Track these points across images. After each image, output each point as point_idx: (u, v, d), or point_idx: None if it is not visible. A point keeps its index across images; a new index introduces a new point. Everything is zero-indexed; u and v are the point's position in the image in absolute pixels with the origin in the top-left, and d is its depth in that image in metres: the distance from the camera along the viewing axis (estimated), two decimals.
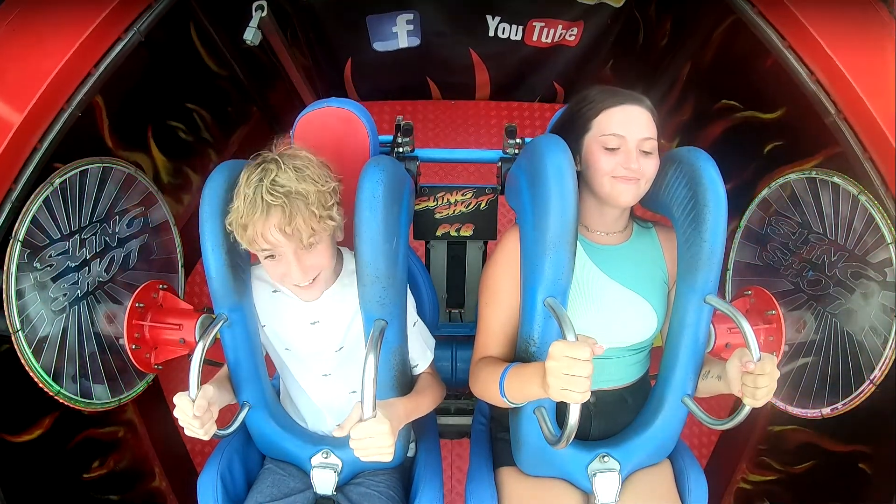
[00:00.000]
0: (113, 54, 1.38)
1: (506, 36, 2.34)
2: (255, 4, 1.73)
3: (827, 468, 1.49)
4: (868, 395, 1.17)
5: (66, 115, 1.28)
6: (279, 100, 2.46)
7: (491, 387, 1.02)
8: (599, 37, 2.33)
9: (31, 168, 1.21)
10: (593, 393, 1.12)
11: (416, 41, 2.38)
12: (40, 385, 1.12)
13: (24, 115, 1.19)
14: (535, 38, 2.35)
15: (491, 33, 2.34)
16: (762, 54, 1.63)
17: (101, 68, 1.35)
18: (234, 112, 2.31)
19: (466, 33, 2.35)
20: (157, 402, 1.84)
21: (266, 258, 1.00)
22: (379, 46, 2.39)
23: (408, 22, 2.30)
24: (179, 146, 2.00)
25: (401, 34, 2.35)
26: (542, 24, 2.28)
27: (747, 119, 1.85)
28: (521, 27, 2.31)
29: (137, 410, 1.69)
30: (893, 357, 1.13)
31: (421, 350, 1.18)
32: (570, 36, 2.34)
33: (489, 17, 2.29)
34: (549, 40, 2.35)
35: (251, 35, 1.74)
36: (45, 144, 1.24)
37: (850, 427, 1.37)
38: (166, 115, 1.96)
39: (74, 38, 1.28)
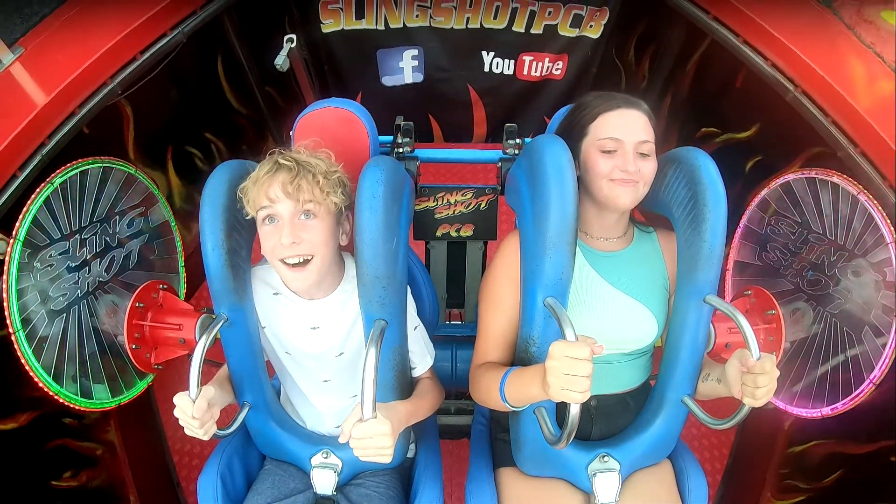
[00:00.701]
0: (158, 46, 1.56)
1: (499, 70, 2.52)
2: (286, 37, 1.90)
3: (857, 472, 1.47)
4: (868, 394, 1.17)
5: (107, 89, 1.42)
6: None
7: (492, 392, 1.02)
8: (582, 69, 2.50)
9: (67, 128, 1.32)
10: (595, 396, 1.12)
11: (420, 77, 2.55)
12: (40, 385, 1.12)
13: (72, 79, 1.32)
14: (525, 72, 2.52)
15: (486, 68, 2.52)
16: (731, 78, 1.80)
17: (147, 55, 1.53)
18: (249, 149, 2.40)
19: (465, 68, 2.52)
20: (141, 423, 1.82)
21: (264, 221, 1.02)
22: (387, 81, 2.55)
23: (413, 57, 2.47)
24: (195, 173, 2.07)
25: (406, 69, 2.51)
26: (531, 57, 2.45)
27: (727, 142, 1.94)
28: (512, 61, 2.48)
29: (119, 433, 1.68)
30: (893, 357, 1.13)
31: (421, 354, 1.18)
32: (557, 69, 2.51)
33: (484, 53, 2.47)
34: (537, 74, 2.52)
35: (281, 61, 1.93)
36: (84, 111, 1.36)
37: (869, 425, 1.36)
38: (186, 139, 2.04)
39: (125, 26, 1.46)
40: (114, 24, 1.45)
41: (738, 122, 1.87)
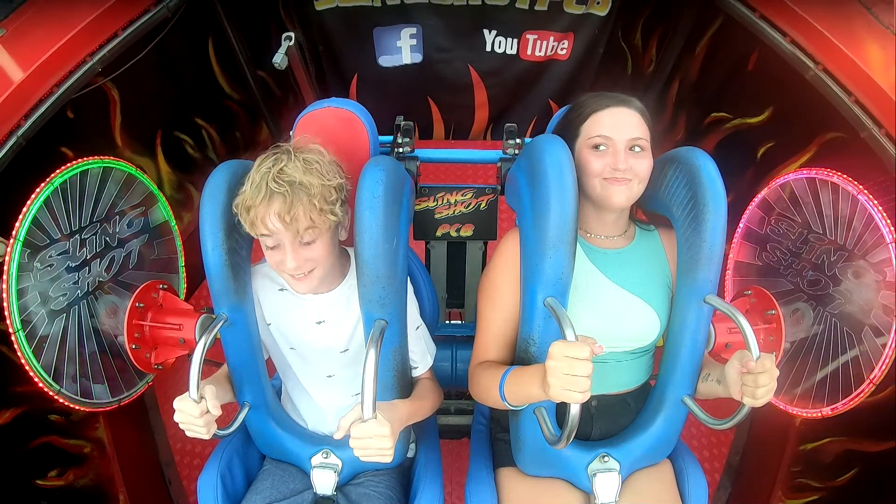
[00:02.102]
0: (140, 21, 1.48)
1: (502, 50, 2.43)
2: (283, 35, 1.83)
3: (874, 471, 1.43)
4: (868, 394, 1.17)
5: (86, 66, 1.35)
6: (290, 127, 2.48)
7: (491, 390, 1.02)
8: (589, 49, 2.41)
9: (44, 108, 1.27)
10: (595, 396, 1.12)
11: (418, 57, 2.45)
12: (40, 384, 1.12)
13: (47, 57, 1.27)
14: (529, 52, 2.43)
15: (488, 48, 2.42)
16: (743, 61, 1.70)
17: (129, 31, 1.46)
18: (242, 137, 2.33)
19: (465, 48, 2.42)
20: (131, 420, 1.78)
21: (265, 244, 1.01)
22: (384, 61, 2.45)
23: (411, 36, 2.37)
24: (185, 160, 2.01)
25: (404, 49, 2.42)
26: (535, 36, 2.36)
27: (737, 127, 1.89)
28: (515, 40, 2.39)
29: (109, 430, 1.63)
30: (893, 357, 1.13)
31: (422, 354, 1.18)
32: (562, 49, 2.42)
33: (486, 31, 2.37)
34: (542, 53, 2.43)
35: (279, 59, 1.84)
36: (62, 90, 1.30)
37: (885, 421, 1.33)
38: (176, 125, 1.97)
39: (106, 1, 1.39)
40: (95, 0, 1.39)
41: (751, 107, 1.82)
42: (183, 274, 1.53)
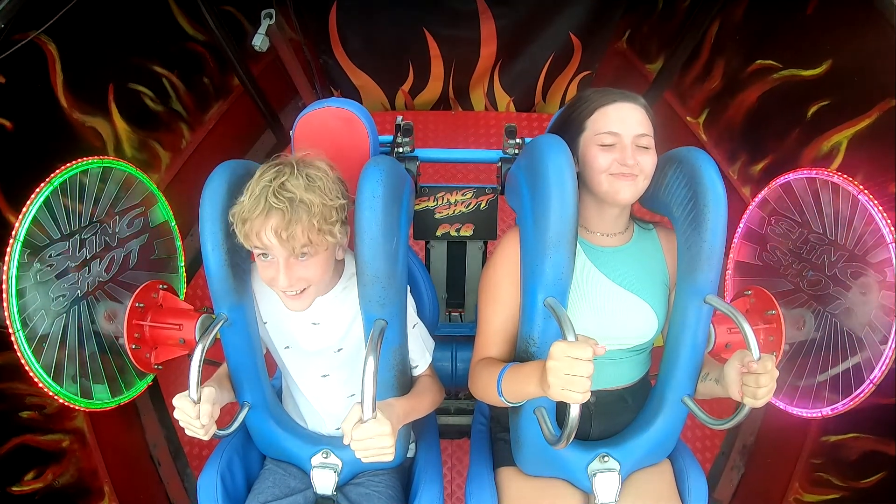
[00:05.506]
0: None
1: None
2: (263, 12, 1.64)
3: None
4: (868, 394, 1.17)
5: None
6: (263, 72, 2.20)
7: (489, 387, 1.02)
8: None
9: None
10: (593, 393, 1.12)
11: None
12: (40, 385, 1.12)
13: None
14: None
15: None
16: (800, 3, 1.50)
17: None
18: (212, 83, 2.09)
19: None
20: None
21: (259, 257, 1.00)
22: None
23: None
24: (145, 115, 1.80)
25: None
26: None
27: (786, 80, 1.69)
28: None
29: (89, 418, 1.51)
30: (894, 358, 1.13)
31: (420, 352, 1.18)
32: None
33: None
34: None
35: (259, 41, 1.65)
36: None
37: None
38: (130, 75, 1.75)
39: None
40: None
41: (805, 57, 1.59)
42: (183, 274, 1.53)
